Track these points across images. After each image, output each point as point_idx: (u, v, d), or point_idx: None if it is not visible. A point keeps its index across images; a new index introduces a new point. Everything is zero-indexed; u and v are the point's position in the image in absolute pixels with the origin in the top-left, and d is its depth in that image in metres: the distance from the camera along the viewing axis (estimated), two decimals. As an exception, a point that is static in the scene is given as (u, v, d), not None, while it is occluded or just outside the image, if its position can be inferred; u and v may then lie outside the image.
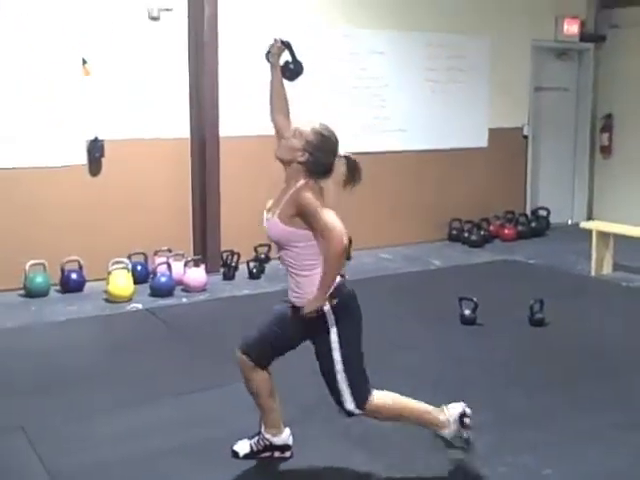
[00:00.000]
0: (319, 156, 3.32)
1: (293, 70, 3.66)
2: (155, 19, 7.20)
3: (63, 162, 6.88)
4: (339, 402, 3.43)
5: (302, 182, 3.31)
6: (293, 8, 7.82)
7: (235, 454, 3.65)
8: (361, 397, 3.42)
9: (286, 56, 3.66)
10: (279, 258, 3.46)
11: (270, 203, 3.46)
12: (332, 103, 8.06)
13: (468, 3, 8.95)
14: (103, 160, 7.03)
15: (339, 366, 3.36)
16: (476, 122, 9.34)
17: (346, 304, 3.35)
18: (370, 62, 8.45)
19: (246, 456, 3.65)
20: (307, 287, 3.32)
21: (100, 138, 6.96)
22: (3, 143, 6.61)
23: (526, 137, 9.83)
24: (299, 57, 3.67)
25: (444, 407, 3.60)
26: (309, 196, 3.25)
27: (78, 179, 6.97)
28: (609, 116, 10.19)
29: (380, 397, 3.49)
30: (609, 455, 3.76)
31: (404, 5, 8.55)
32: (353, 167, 3.43)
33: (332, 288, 3.26)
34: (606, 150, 10.26)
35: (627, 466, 3.68)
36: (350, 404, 3.41)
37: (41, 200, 6.81)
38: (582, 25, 9.97)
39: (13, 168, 6.64)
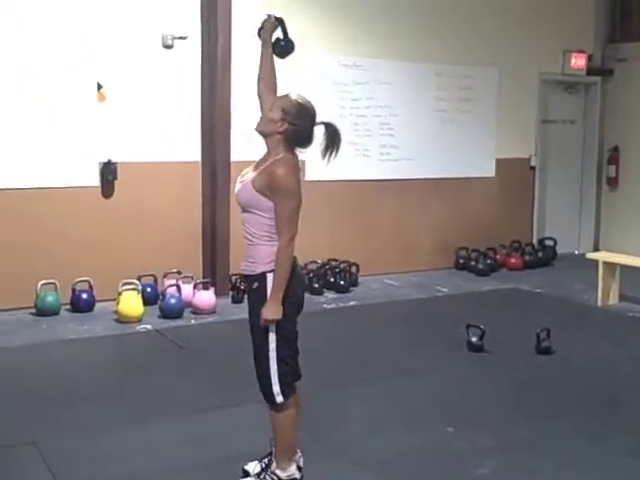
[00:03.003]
0: (297, 124, 3.38)
1: (284, 47, 3.69)
2: (169, 47, 7.33)
3: (77, 183, 6.97)
4: (267, 387, 3.39)
5: (281, 155, 3.38)
6: (304, 38, 7.91)
7: (246, 474, 3.66)
8: (288, 386, 3.40)
9: (278, 33, 3.68)
10: (242, 223, 3.46)
11: (245, 172, 3.52)
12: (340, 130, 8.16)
13: (477, 36, 9.08)
14: (116, 182, 7.13)
15: (273, 344, 3.36)
16: (484, 152, 9.42)
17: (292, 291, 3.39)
18: (378, 92, 8.55)
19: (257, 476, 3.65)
20: (258, 257, 3.38)
21: (113, 161, 7.07)
22: (18, 164, 6.71)
23: (533, 168, 9.91)
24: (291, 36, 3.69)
25: (297, 459, 3.57)
26: (286, 176, 3.31)
27: (91, 201, 7.07)
28: (616, 149, 10.27)
29: (295, 404, 3.48)
30: (615, 481, 3.80)
31: (413, 37, 8.68)
32: (333, 133, 3.45)
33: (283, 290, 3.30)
34: (613, 182, 10.34)
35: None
36: (276, 387, 3.38)
37: (54, 221, 6.89)
38: (589, 59, 10.11)
39: (27, 188, 6.74)
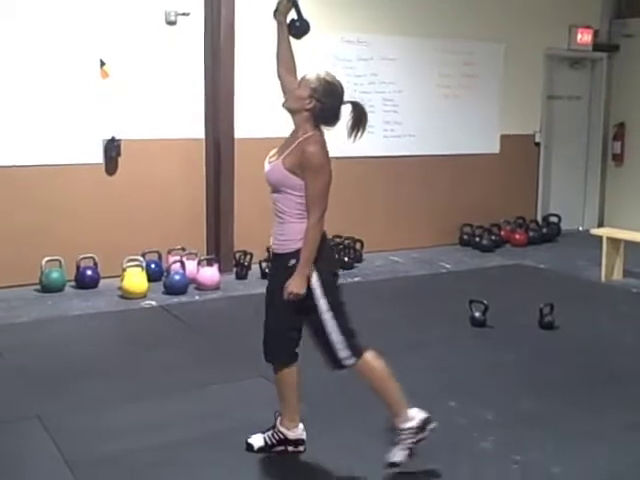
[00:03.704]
0: (325, 102, 3.39)
1: (299, 28, 3.70)
2: (172, 23, 7.29)
3: (80, 161, 6.98)
4: (332, 356, 3.46)
5: (310, 133, 3.39)
6: (308, 13, 7.87)
7: (249, 447, 3.70)
8: (355, 347, 3.47)
9: (293, 14, 3.69)
10: (273, 202, 3.49)
11: (273, 152, 3.52)
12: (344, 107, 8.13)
13: (482, 11, 9.01)
14: (119, 159, 7.13)
15: (327, 315, 3.41)
16: (488, 128, 9.39)
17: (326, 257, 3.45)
18: (382, 68, 8.51)
19: (260, 449, 3.70)
20: (291, 235, 3.40)
21: (117, 138, 7.06)
22: (22, 142, 6.71)
23: (538, 144, 9.87)
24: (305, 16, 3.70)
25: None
26: (317, 153, 3.33)
27: (95, 178, 7.07)
28: (621, 124, 10.23)
29: (375, 357, 3.54)
30: (617, 455, 3.81)
31: (417, 12, 8.60)
32: (360, 112, 3.48)
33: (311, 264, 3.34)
34: (618, 158, 10.30)
35: (634, 465, 3.73)
36: (344, 352, 3.44)
37: (58, 197, 6.91)
38: (595, 34, 10.02)
39: (31, 165, 6.74)
